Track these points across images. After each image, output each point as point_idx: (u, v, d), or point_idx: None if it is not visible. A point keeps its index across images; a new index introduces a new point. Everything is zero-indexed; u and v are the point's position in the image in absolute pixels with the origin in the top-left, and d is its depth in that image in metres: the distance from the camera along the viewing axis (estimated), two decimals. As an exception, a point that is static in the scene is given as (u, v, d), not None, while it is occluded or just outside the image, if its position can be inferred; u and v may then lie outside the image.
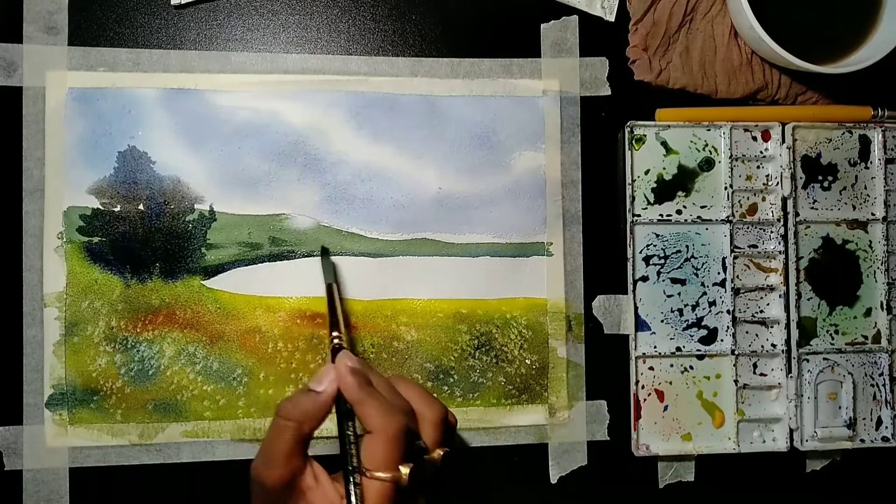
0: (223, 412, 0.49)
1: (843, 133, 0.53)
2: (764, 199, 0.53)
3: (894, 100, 0.53)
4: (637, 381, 0.51)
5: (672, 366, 0.52)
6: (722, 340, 0.52)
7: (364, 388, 0.38)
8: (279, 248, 0.50)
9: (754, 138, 0.53)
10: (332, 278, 0.47)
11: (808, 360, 0.52)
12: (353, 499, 0.35)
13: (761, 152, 0.52)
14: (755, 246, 0.52)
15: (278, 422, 0.37)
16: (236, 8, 0.50)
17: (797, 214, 0.52)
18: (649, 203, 0.52)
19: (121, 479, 0.48)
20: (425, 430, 0.39)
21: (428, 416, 0.39)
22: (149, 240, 0.49)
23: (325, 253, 0.49)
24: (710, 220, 0.52)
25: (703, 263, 0.52)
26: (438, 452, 0.39)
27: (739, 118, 0.52)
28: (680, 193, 0.52)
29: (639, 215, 0.52)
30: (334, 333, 0.42)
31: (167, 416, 0.48)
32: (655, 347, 0.51)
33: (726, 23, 0.52)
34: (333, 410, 0.39)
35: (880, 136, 0.53)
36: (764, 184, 0.52)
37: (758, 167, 0.53)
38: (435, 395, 0.45)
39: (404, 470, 0.36)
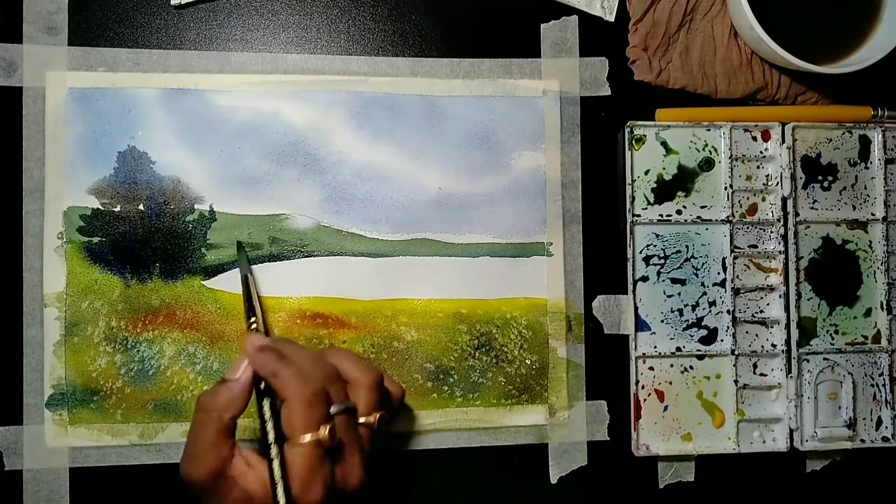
0: (223, 412, 0.49)
1: (843, 133, 0.53)
2: (764, 199, 0.53)
3: (894, 100, 0.53)
4: (637, 381, 0.51)
5: (672, 366, 0.52)
6: (722, 340, 0.52)
7: (275, 361, 0.38)
8: (279, 248, 0.50)
9: (754, 138, 0.53)
10: (248, 270, 0.48)
11: (808, 360, 0.52)
12: (275, 469, 0.36)
13: (761, 152, 0.52)
14: (755, 246, 0.52)
15: (199, 415, 0.38)
16: (236, 8, 0.50)
17: (797, 214, 0.52)
18: (649, 203, 0.52)
19: (121, 479, 0.48)
20: (358, 394, 0.40)
21: (361, 380, 0.40)
22: (149, 240, 0.49)
23: (240, 247, 0.49)
24: (710, 220, 0.52)
25: (703, 263, 0.52)
26: (375, 415, 0.39)
27: (739, 118, 0.52)
28: (680, 193, 0.52)
29: (639, 215, 0.52)
30: (251, 319, 0.43)
31: (167, 416, 0.48)
32: (655, 347, 0.51)
33: (726, 23, 0.52)
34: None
35: (880, 136, 0.53)
36: (764, 184, 0.52)
37: (758, 167, 0.53)
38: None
39: (322, 432, 0.36)
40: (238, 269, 0.49)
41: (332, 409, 0.37)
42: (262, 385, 0.39)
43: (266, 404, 0.38)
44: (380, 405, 0.41)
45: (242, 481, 0.37)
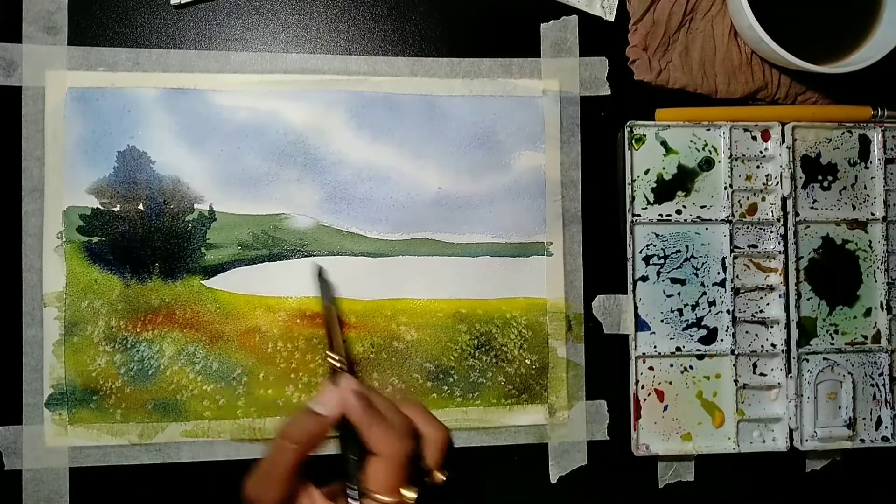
0: (223, 412, 0.49)
1: (843, 133, 0.53)
2: (764, 199, 0.53)
3: (894, 100, 0.53)
4: (637, 381, 0.51)
5: (672, 366, 0.52)
6: (722, 340, 0.52)
7: (369, 412, 0.38)
8: (279, 248, 0.50)
9: (754, 138, 0.53)
10: (330, 300, 0.47)
11: (807, 360, 0.52)
12: None
13: (761, 152, 0.52)
14: (755, 246, 0.52)
15: (281, 443, 0.37)
16: (236, 8, 0.50)
17: (797, 214, 0.52)
18: (649, 203, 0.52)
19: (121, 479, 0.48)
20: (428, 452, 0.39)
21: (432, 437, 0.39)
22: (148, 240, 0.49)
23: (321, 275, 0.49)
24: (710, 220, 0.52)
25: (703, 263, 0.52)
26: (440, 476, 0.39)
27: (739, 118, 0.52)
28: (680, 193, 0.52)
29: (639, 215, 0.52)
30: (333, 355, 0.43)
31: (167, 415, 0.48)
32: (655, 347, 0.51)
33: (726, 22, 0.52)
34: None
35: (880, 136, 0.53)
36: (764, 184, 0.52)
37: (757, 167, 0.53)
38: (433, 413, 0.44)
39: (409, 494, 0.36)
40: (321, 296, 0.48)
41: (417, 476, 0.37)
42: (347, 430, 0.38)
43: (352, 451, 0.38)
44: (445, 463, 0.40)
45: None
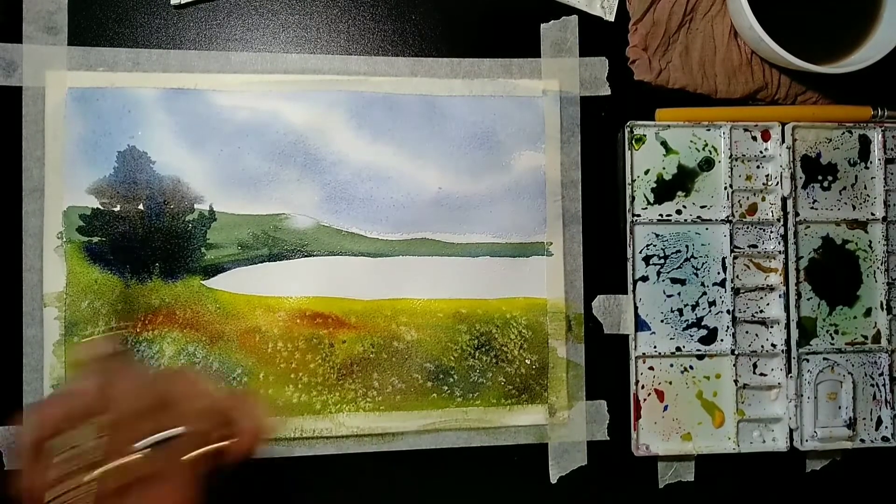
0: (223, 412, 0.49)
1: (843, 133, 0.53)
2: (764, 199, 0.53)
3: (894, 100, 0.53)
4: (637, 381, 0.51)
5: (672, 366, 0.52)
6: (722, 340, 0.52)
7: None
8: (279, 248, 0.50)
9: (754, 138, 0.53)
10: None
11: (807, 360, 0.52)
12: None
13: (761, 152, 0.52)
14: (755, 246, 0.52)
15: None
16: (236, 8, 0.50)
17: (797, 214, 0.52)
18: (649, 203, 0.52)
19: (120, 479, 0.48)
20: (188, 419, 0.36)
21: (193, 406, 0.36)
22: (149, 240, 0.49)
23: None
24: (710, 220, 0.52)
25: (703, 263, 0.52)
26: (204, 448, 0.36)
27: (739, 118, 0.52)
28: (680, 193, 0.52)
29: (639, 215, 0.52)
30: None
31: (167, 416, 0.48)
32: (655, 347, 0.51)
33: (726, 23, 0.52)
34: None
35: (880, 136, 0.53)
36: (764, 184, 0.52)
37: (758, 167, 0.53)
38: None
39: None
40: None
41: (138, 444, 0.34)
42: None
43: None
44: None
45: None
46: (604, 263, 0.52)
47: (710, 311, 0.52)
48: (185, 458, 0.35)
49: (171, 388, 0.36)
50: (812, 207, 0.53)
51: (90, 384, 0.35)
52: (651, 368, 0.51)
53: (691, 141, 0.52)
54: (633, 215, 0.51)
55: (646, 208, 0.52)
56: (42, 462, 0.34)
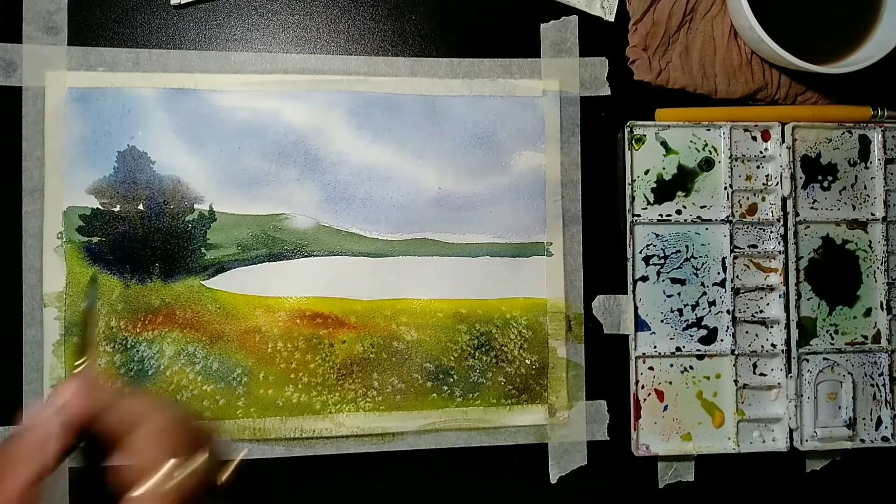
0: (223, 412, 0.49)
1: (843, 133, 0.53)
2: (764, 199, 0.53)
3: (894, 100, 0.53)
4: (637, 381, 0.51)
5: (672, 366, 0.52)
6: (722, 340, 0.52)
7: (106, 394, 0.33)
8: (279, 249, 0.50)
9: (754, 138, 0.53)
10: (93, 304, 0.46)
11: (807, 360, 0.52)
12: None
13: (761, 152, 0.52)
14: (755, 246, 0.52)
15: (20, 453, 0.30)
16: (236, 8, 0.50)
17: (797, 214, 0.52)
18: (649, 203, 0.52)
19: (120, 479, 0.48)
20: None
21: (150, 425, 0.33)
22: (148, 240, 0.49)
23: (94, 279, 0.48)
24: (710, 220, 0.52)
25: (703, 263, 0.52)
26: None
27: (739, 118, 0.52)
28: (680, 193, 0.52)
29: (639, 215, 0.52)
30: (80, 361, 0.36)
31: (167, 416, 0.48)
32: (655, 347, 0.51)
33: (726, 23, 0.52)
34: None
35: (880, 136, 0.53)
36: (764, 184, 0.52)
37: (757, 167, 0.53)
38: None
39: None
40: (87, 300, 0.47)
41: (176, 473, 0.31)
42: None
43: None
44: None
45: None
46: (604, 263, 0.52)
47: (710, 311, 0.52)
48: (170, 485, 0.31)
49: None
50: (812, 207, 0.53)
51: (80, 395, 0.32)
52: (651, 368, 0.51)
53: (691, 141, 0.52)
54: (633, 215, 0.51)
55: (646, 208, 0.52)
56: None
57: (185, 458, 0.32)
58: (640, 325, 0.51)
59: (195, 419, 0.35)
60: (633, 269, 0.51)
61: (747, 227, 0.52)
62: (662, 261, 0.52)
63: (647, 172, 0.52)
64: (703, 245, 0.52)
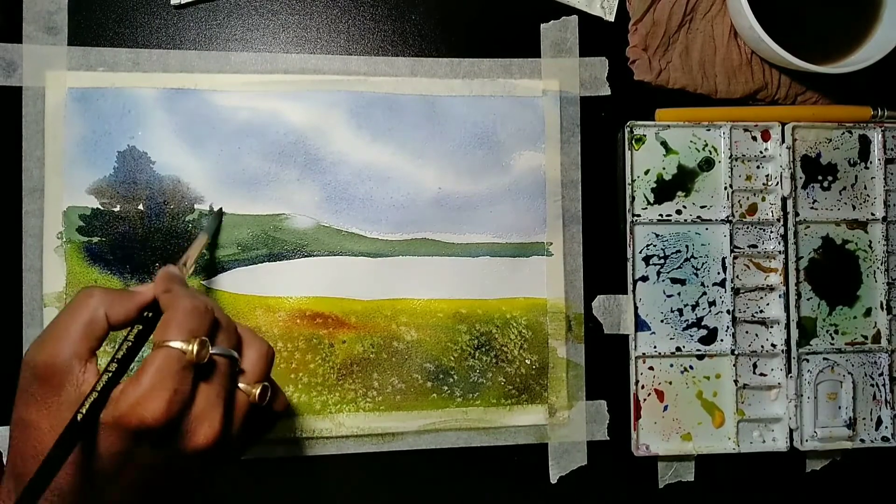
0: (223, 412, 0.49)
1: (843, 133, 0.53)
2: (764, 199, 0.53)
3: (894, 100, 0.53)
4: (637, 381, 0.51)
5: (672, 366, 0.52)
6: (722, 340, 0.52)
7: (174, 282, 0.36)
8: (279, 249, 0.50)
9: (754, 138, 0.53)
10: (210, 233, 0.47)
11: (807, 360, 0.52)
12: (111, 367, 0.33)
13: (761, 152, 0.52)
14: (755, 246, 0.52)
15: (81, 298, 0.35)
16: (236, 8, 0.50)
17: (797, 214, 0.52)
18: (649, 203, 0.52)
19: (121, 479, 0.48)
20: (248, 358, 0.36)
21: (256, 346, 0.37)
22: (148, 240, 0.49)
23: (220, 213, 0.49)
24: (710, 220, 0.52)
25: (703, 263, 0.52)
26: (257, 386, 0.35)
27: (739, 118, 0.52)
28: (680, 193, 0.52)
29: (639, 215, 0.52)
30: (180, 264, 0.41)
31: (167, 416, 0.48)
32: (655, 347, 0.51)
33: (726, 23, 0.52)
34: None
35: (880, 136, 0.53)
36: (764, 184, 0.52)
37: (758, 167, 0.53)
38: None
39: (193, 344, 0.32)
40: (206, 227, 0.48)
41: (213, 350, 0.33)
42: (149, 314, 0.36)
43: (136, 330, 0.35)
44: (264, 378, 0.37)
45: (82, 386, 0.33)
46: (604, 263, 0.52)
47: (709, 311, 0.52)
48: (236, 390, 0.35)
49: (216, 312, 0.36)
50: (812, 207, 0.53)
51: (150, 291, 0.36)
52: (651, 368, 0.51)
53: (691, 141, 0.52)
54: (633, 215, 0.51)
55: (646, 208, 0.52)
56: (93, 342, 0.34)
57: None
58: (640, 325, 0.52)
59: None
60: (633, 269, 0.51)
61: (747, 227, 0.52)
62: (662, 261, 0.52)
63: (647, 172, 0.52)
64: (703, 245, 0.52)
